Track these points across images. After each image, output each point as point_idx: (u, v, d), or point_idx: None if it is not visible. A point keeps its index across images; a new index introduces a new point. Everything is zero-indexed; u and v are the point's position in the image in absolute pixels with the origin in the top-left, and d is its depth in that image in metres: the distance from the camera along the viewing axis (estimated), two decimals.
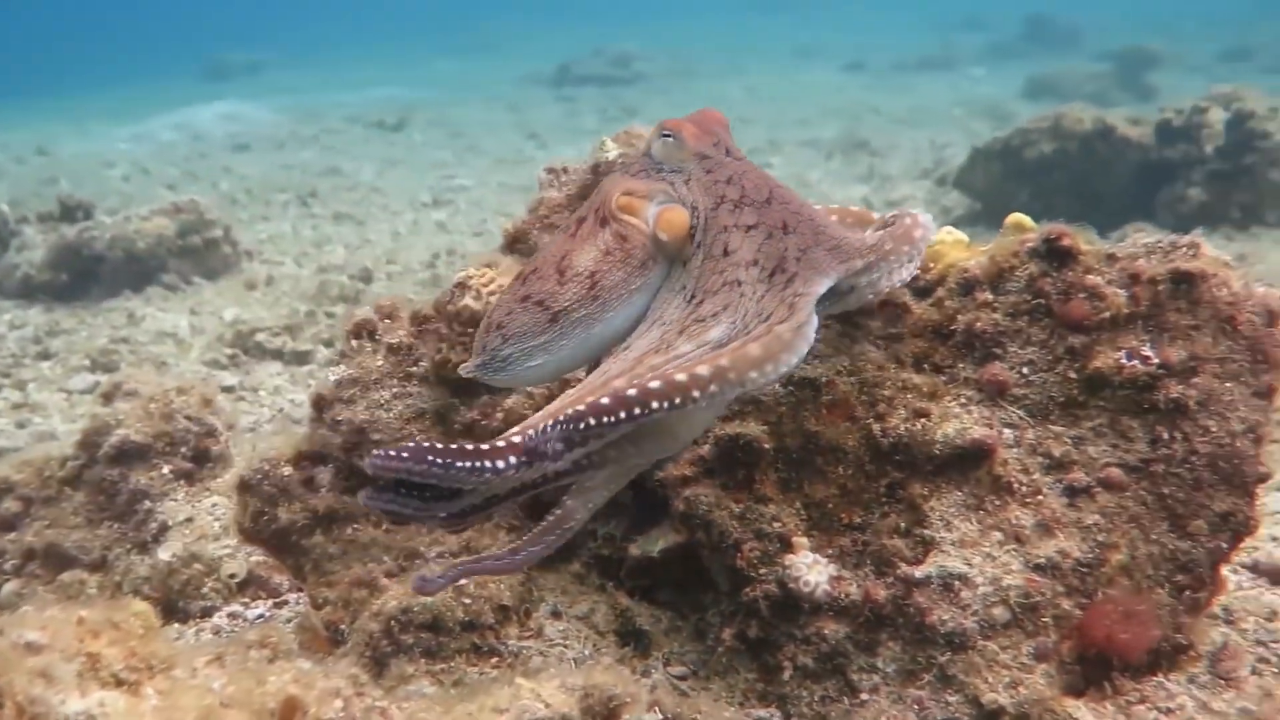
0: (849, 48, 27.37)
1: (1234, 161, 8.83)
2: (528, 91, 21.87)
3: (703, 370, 2.38)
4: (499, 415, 3.46)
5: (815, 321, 2.59)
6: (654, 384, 2.36)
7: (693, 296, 2.71)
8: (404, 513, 2.33)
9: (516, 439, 2.32)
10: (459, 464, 2.24)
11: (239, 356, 7.31)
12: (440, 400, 3.52)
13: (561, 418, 2.31)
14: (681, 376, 2.37)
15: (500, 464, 2.28)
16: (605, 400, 2.32)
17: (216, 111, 18.43)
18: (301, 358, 7.28)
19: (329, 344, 7.29)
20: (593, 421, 2.32)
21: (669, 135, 2.82)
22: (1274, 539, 3.88)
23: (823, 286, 2.70)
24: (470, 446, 2.27)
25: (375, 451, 2.20)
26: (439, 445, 2.25)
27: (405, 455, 2.20)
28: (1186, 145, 8.93)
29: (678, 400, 2.35)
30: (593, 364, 2.80)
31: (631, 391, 2.33)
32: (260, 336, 7.37)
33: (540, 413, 2.44)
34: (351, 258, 9.23)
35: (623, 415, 2.32)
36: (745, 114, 17.58)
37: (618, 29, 29.21)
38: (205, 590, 4.03)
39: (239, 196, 12.37)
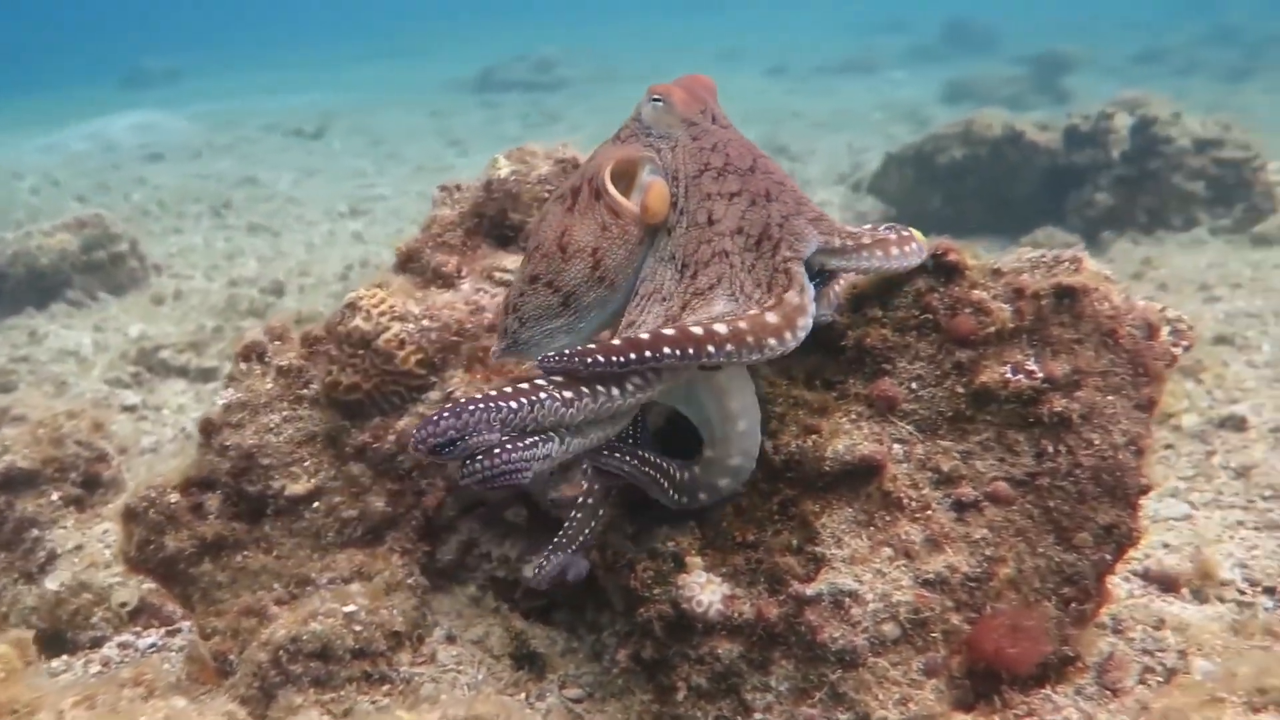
0: (772, 51, 27.53)
1: (1139, 166, 8.97)
2: (450, 97, 21.74)
3: (721, 328, 2.53)
4: (390, 438, 3.42)
5: (811, 290, 2.70)
6: (669, 332, 2.50)
7: (684, 266, 2.78)
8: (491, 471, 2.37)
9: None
10: (502, 404, 2.35)
11: (142, 374, 7.17)
12: (331, 423, 3.47)
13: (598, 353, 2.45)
14: (698, 330, 2.51)
15: (543, 395, 2.41)
16: (623, 344, 2.47)
17: (131, 121, 18.10)
18: (207, 375, 7.15)
19: None
20: (629, 357, 2.46)
21: (658, 100, 2.88)
22: (1165, 545, 3.93)
23: (808, 249, 2.78)
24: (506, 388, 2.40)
25: (414, 435, 2.31)
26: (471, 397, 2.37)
27: (444, 418, 2.30)
28: (1094, 150, 9.06)
29: (691, 351, 2.48)
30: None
31: (667, 331, 2.49)
32: (164, 353, 7.23)
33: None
34: (264, 270, 9.10)
35: (648, 354, 2.46)
36: None
37: (541, 34, 29.11)
38: (95, 620, 3.94)
39: (151, 208, 12.16)
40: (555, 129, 17.26)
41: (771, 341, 2.57)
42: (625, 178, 2.88)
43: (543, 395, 2.41)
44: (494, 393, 2.40)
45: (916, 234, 3.06)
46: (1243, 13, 30.22)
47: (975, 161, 9.60)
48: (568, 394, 2.44)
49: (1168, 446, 4.84)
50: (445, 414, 2.30)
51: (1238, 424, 4.96)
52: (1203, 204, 9.00)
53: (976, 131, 9.49)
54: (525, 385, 2.42)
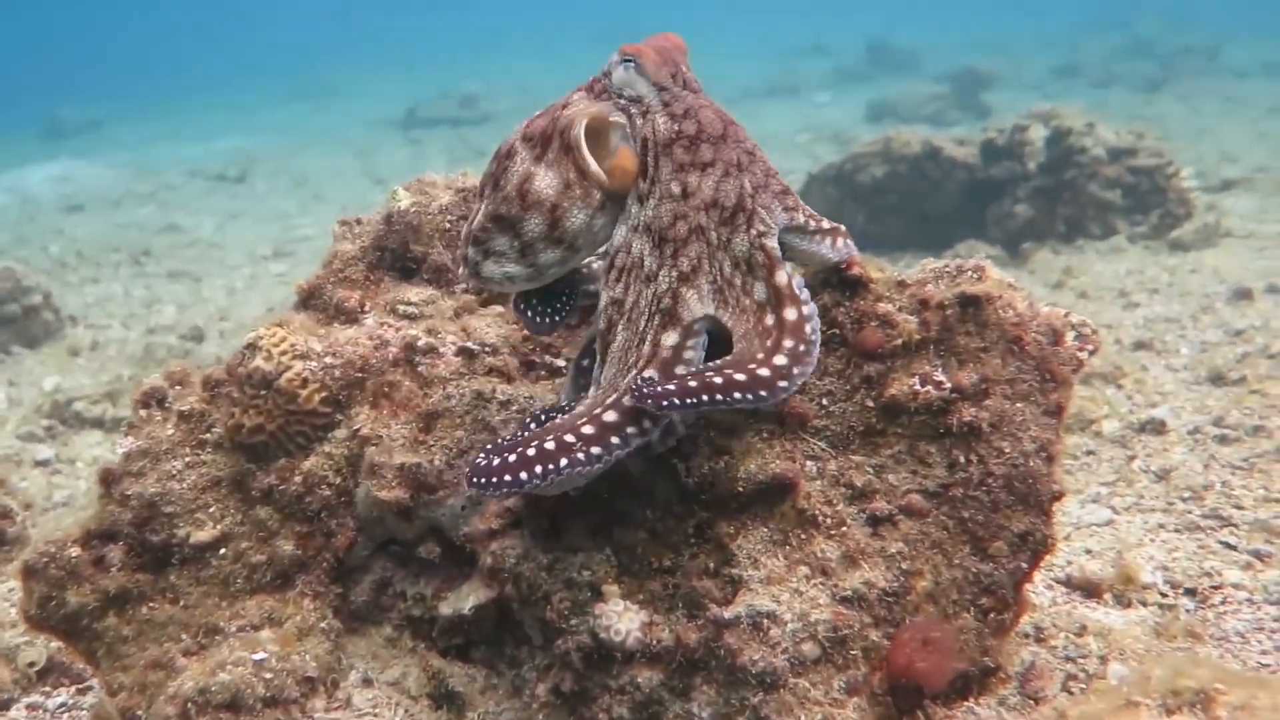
0: (697, 76, 27.28)
1: (1056, 177, 9.07)
2: (375, 135, 21.62)
3: (780, 360, 2.64)
4: (297, 479, 3.34)
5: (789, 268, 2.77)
6: (740, 377, 2.59)
7: (661, 241, 2.77)
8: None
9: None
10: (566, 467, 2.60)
11: (56, 427, 6.99)
12: (235, 466, 3.39)
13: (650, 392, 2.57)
14: (765, 372, 2.61)
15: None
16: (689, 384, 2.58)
17: (50, 172, 17.77)
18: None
19: None
20: (703, 399, 2.56)
21: (629, 61, 2.84)
22: (1088, 552, 3.93)
23: (777, 224, 2.82)
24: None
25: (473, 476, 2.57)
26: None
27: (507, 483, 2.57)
28: (1011, 163, 9.15)
29: (763, 393, 2.60)
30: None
31: (738, 376, 2.60)
32: (79, 405, 7.06)
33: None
34: (183, 317, 8.95)
35: (719, 397, 2.57)
36: None
37: (464, 70, 29.06)
38: (2, 681, 3.81)
39: (69, 259, 11.93)
40: (481, 163, 17.12)
41: (809, 362, 2.68)
42: (594, 135, 2.84)
43: (602, 450, 2.62)
44: (554, 447, 2.60)
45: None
46: (1154, 25, 30.83)
47: (895, 179, 9.66)
48: (618, 438, 2.64)
49: (1089, 453, 4.86)
50: (511, 480, 2.56)
51: (1157, 427, 4.99)
52: (1120, 212, 9.11)
53: (895, 149, 9.56)
54: (589, 431, 2.63)
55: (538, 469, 2.58)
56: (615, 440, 2.63)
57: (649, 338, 2.81)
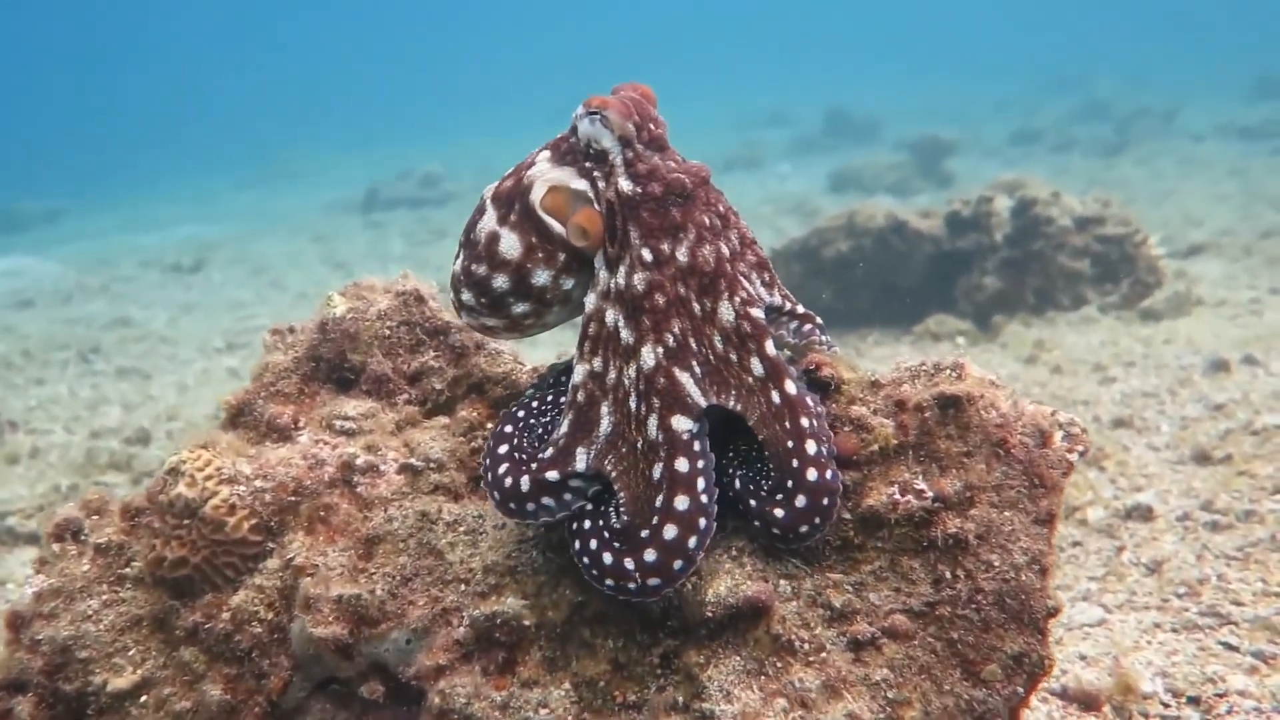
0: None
1: (1023, 248, 8.94)
2: (334, 219, 21.42)
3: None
4: (225, 616, 3.06)
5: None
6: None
7: (636, 310, 2.66)
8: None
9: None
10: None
11: None
12: (157, 604, 3.10)
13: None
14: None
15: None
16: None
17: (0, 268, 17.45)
18: None
19: None
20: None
21: (595, 114, 2.74)
22: (1082, 658, 3.68)
23: (763, 298, 2.75)
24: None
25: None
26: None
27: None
28: (977, 234, 9.02)
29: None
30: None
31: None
32: (11, 520, 6.71)
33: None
34: (129, 418, 8.61)
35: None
36: None
37: (423, 149, 29.02)
38: None
39: (14, 359, 11.51)
40: (443, 244, 17.03)
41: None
42: (558, 194, 2.79)
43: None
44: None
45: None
46: (1111, 87, 31.22)
47: (861, 253, 9.51)
48: None
49: (1075, 544, 4.63)
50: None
51: (1145, 514, 4.78)
52: (1089, 282, 8.98)
53: (860, 223, 9.42)
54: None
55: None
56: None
57: (653, 423, 2.64)
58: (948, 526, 2.74)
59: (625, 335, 2.68)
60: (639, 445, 2.66)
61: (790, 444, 2.60)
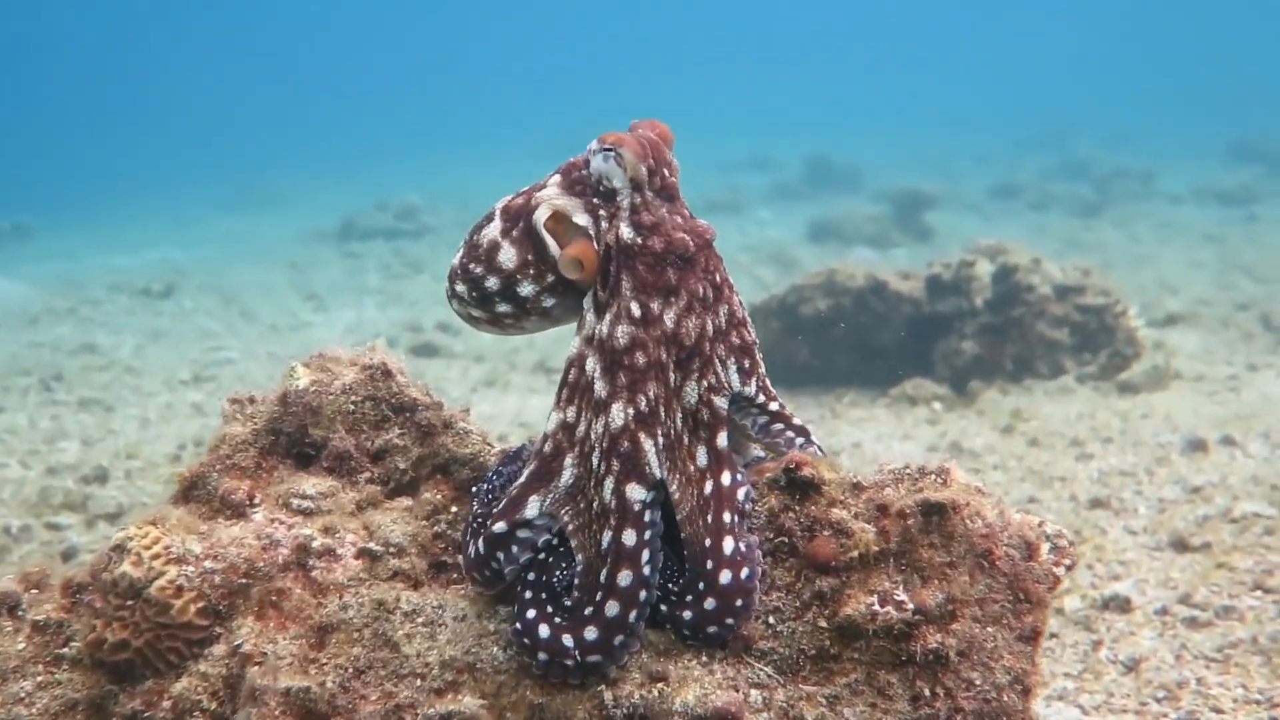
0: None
1: (1003, 314, 8.88)
2: (310, 248, 21.15)
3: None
4: (166, 704, 2.89)
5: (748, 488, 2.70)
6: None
7: (614, 364, 2.62)
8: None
9: None
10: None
11: None
12: (95, 688, 2.93)
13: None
14: None
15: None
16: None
17: None
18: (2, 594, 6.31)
19: None
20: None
21: (609, 151, 2.70)
22: None
23: (732, 386, 2.72)
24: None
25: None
26: None
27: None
28: (957, 299, 8.95)
29: None
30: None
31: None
32: None
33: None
34: (88, 454, 8.40)
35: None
36: None
37: (403, 179, 28.83)
38: None
39: None
40: (419, 279, 16.89)
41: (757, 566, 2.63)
42: (559, 224, 2.80)
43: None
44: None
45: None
46: (1089, 146, 31.42)
47: (840, 312, 9.42)
48: None
49: (1052, 635, 4.52)
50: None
51: (1122, 605, 4.67)
52: (1068, 351, 8.92)
53: (839, 281, 9.34)
54: None
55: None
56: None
57: (609, 485, 2.61)
58: (928, 641, 2.62)
59: (599, 389, 2.64)
60: (594, 506, 2.63)
61: (707, 541, 2.57)
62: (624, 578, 2.56)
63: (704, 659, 2.69)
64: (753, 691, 2.66)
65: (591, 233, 2.74)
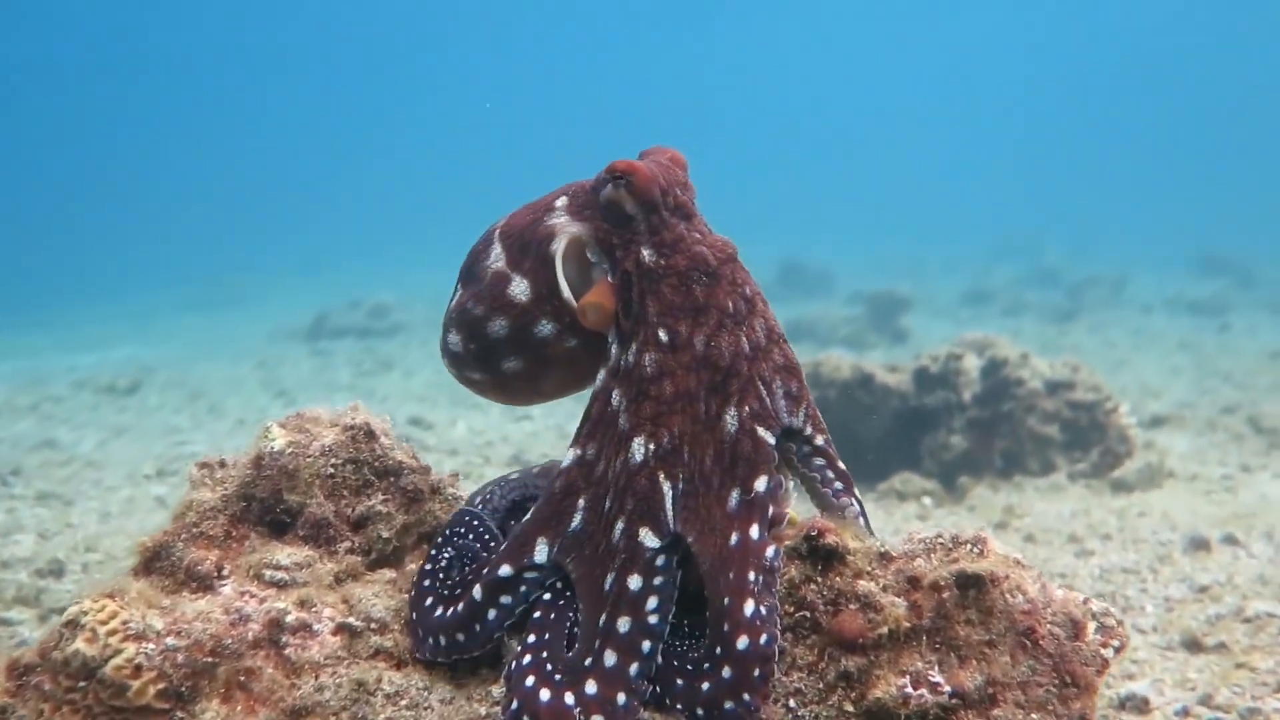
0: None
1: (992, 409, 8.69)
2: (279, 347, 20.83)
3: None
4: None
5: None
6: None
7: (640, 395, 2.45)
8: None
9: None
10: None
11: None
12: None
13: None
14: None
15: None
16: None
17: None
18: None
19: None
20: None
21: (620, 179, 2.56)
22: None
23: (778, 420, 2.51)
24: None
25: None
26: None
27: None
28: (945, 392, 8.76)
29: None
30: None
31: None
32: None
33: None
34: (43, 548, 8.02)
35: None
36: None
37: (374, 279, 28.71)
38: None
39: None
40: (389, 376, 16.62)
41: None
42: (574, 254, 2.66)
43: None
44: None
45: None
46: (1057, 256, 31.72)
47: (825, 404, 9.20)
48: None
49: None
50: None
51: (1140, 705, 4.40)
52: (1059, 447, 8.71)
53: (825, 373, 9.14)
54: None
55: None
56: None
57: (620, 526, 2.43)
58: None
59: (623, 421, 2.48)
60: (600, 548, 2.46)
61: (726, 600, 2.33)
62: (623, 624, 2.37)
63: None
64: None
65: (606, 266, 2.60)
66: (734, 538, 2.39)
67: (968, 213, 44.02)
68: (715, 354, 2.49)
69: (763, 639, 2.30)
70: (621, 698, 2.33)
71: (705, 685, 2.34)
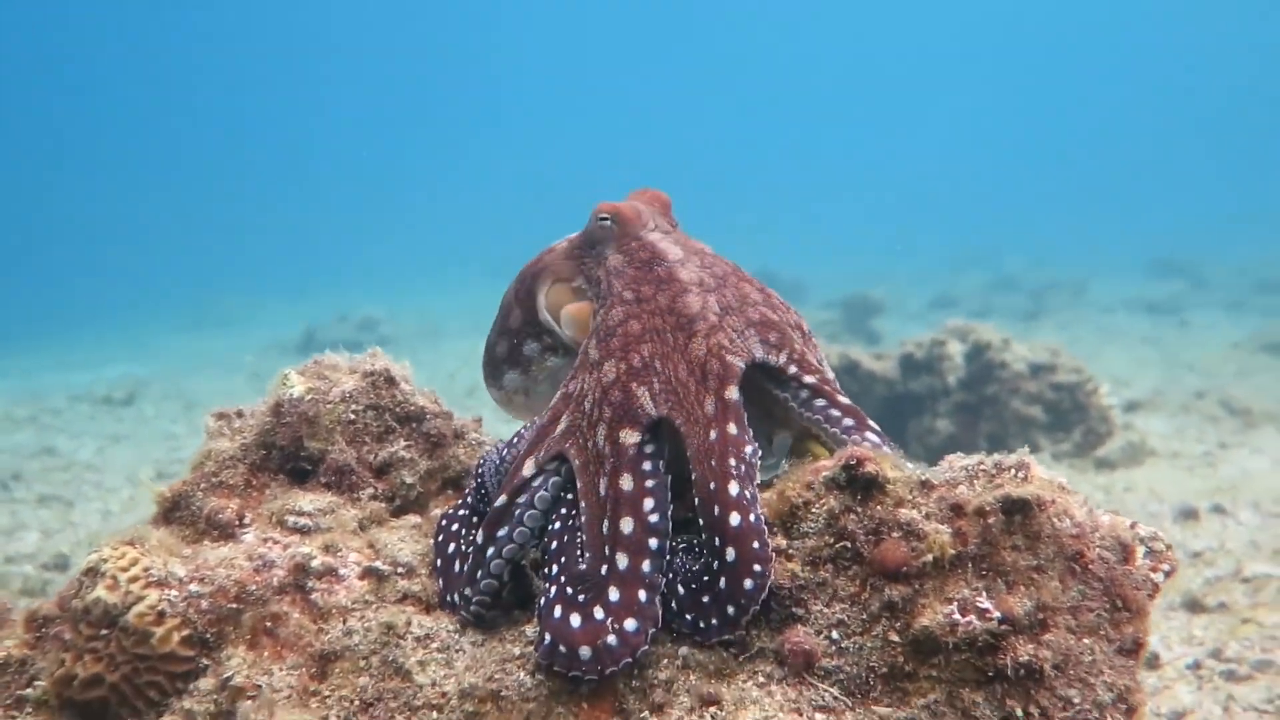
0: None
1: (977, 392, 8.71)
2: (271, 360, 20.56)
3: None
4: None
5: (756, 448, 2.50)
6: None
7: (608, 335, 2.65)
8: None
9: None
10: None
11: None
12: None
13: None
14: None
15: None
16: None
17: None
18: None
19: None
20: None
21: (605, 219, 2.85)
22: None
23: (755, 351, 2.62)
24: None
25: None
26: None
27: None
28: (930, 378, 8.77)
29: None
30: None
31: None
32: None
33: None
34: (46, 544, 7.89)
35: None
36: None
37: (362, 296, 28.70)
38: None
39: None
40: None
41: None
42: (560, 290, 2.93)
43: None
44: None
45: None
46: (1018, 265, 31.95)
47: None
48: None
49: None
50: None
51: (1150, 660, 4.39)
52: (1042, 428, 8.74)
53: None
54: None
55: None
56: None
57: (602, 432, 2.52)
58: (1018, 654, 2.32)
59: (594, 353, 2.64)
60: (589, 448, 2.54)
61: (712, 485, 2.40)
62: (626, 524, 2.41)
63: (760, 680, 2.39)
64: (818, 716, 2.36)
65: (585, 286, 2.86)
66: (713, 433, 2.46)
67: (928, 228, 44.25)
68: (681, 306, 2.66)
69: (752, 517, 2.36)
70: (643, 595, 2.35)
71: (716, 576, 2.37)
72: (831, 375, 2.77)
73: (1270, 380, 13.11)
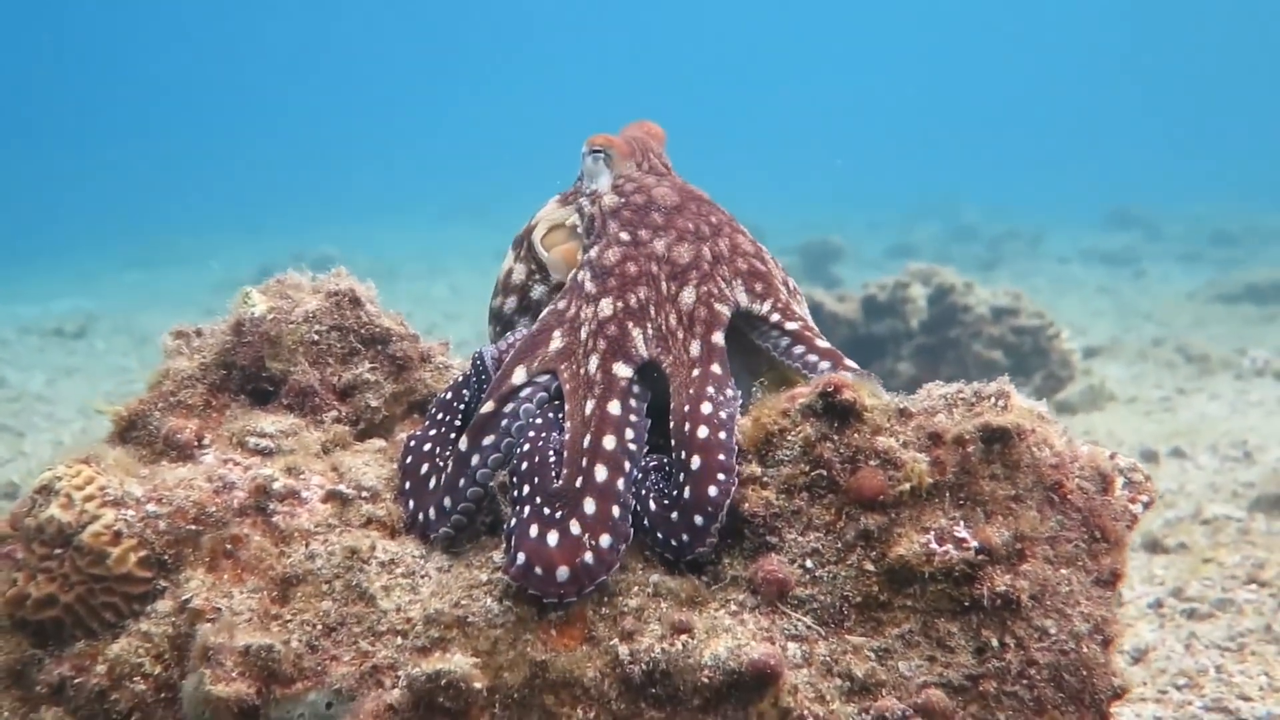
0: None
1: (939, 335, 8.70)
2: (224, 296, 20.13)
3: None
4: (100, 669, 2.44)
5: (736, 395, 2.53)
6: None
7: (605, 273, 2.68)
8: None
9: None
10: None
11: None
12: (15, 652, 2.49)
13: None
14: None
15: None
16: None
17: None
18: None
19: None
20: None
21: (598, 152, 2.89)
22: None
23: (741, 299, 2.70)
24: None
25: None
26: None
27: None
28: (893, 320, 8.76)
29: None
30: None
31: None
32: None
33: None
34: None
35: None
36: (451, 311, 16.83)
37: (316, 233, 28.18)
38: None
39: None
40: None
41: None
42: (556, 231, 2.97)
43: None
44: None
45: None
46: (974, 214, 31.98)
47: None
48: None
49: None
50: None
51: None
52: (1003, 372, 8.71)
53: None
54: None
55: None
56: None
57: (595, 361, 2.56)
58: (995, 583, 2.30)
59: (590, 287, 2.67)
60: (580, 371, 2.57)
61: (687, 407, 2.46)
62: (609, 441, 2.43)
63: (733, 608, 2.35)
64: (790, 645, 2.33)
65: (581, 227, 2.87)
66: (696, 371, 2.54)
67: (884, 177, 44.12)
68: (675, 255, 2.71)
69: (722, 434, 2.40)
70: (616, 510, 2.34)
71: (682, 487, 2.37)
72: (815, 326, 2.80)
73: (1225, 329, 13.24)
